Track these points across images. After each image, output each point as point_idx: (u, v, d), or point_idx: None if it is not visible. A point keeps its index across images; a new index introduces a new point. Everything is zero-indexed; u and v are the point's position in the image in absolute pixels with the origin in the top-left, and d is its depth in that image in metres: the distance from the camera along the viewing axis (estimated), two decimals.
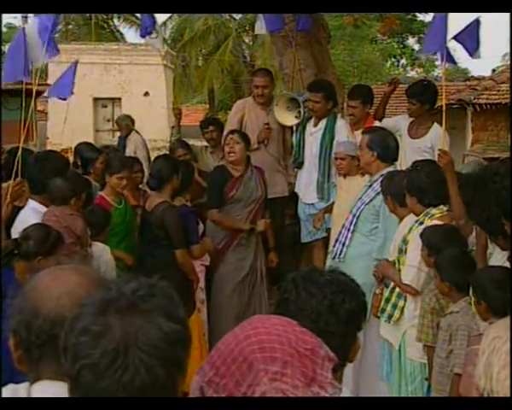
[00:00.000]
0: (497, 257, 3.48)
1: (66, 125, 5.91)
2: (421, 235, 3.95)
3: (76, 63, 5.80)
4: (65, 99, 5.64)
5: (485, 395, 1.33)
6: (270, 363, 1.54)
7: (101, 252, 4.67)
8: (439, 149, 4.63)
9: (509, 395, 1.28)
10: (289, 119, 6.59)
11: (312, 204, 6.24)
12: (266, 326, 1.61)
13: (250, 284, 5.90)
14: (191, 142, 7.47)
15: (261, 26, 7.05)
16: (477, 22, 5.22)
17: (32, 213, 4.38)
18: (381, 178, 4.75)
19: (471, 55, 5.29)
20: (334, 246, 5.06)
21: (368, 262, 4.72)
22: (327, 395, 1.58)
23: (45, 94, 5.84)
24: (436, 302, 3.84)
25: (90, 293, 1.58)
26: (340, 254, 4.97)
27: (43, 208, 4.46)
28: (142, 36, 6.99)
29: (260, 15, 7.01)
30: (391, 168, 4.87)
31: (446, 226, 3.99)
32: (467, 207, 3.54)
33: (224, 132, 6.69)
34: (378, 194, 4.76)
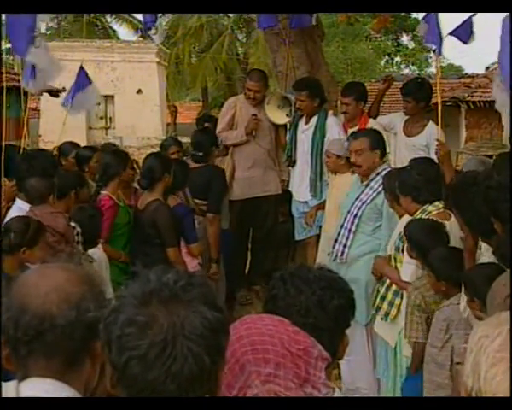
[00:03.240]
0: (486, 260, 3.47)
1: (58, 123, 5.87)
2: (405, 228, 3.95)
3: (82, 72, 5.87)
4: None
5: (474, 395, 1.33)
6: (262, 365, 1.54)
7: (94, 250, 4.64)
8: (437, 140, 4.61)
9: (497, 394, 1.28)
10: (280, 117, 6.59)
11: (306, 202, 6.23)
12: (258, 326, 1.60)
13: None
14: (185, 139, 7.44)
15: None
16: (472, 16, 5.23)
17: (17, 212, 4.37)
18: (377, 177, 4.74)
19: (465, 42, 5.30)
20: (333, 247, 5.01)
21: (372, 260, 4.65)
22: (320, 396, 1.57)
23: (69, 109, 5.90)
24: (421, 300, 3.84)
25: (81, 289, 1.57)
26: (341, 255, 4.92)
27: (29, 206, 4.44)
28: (145, 31, 7.06)
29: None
30: (385, 165, 4.89)
31: (429, 221, 3.99)
32: (458, 211, 3.55)
33: (218, 129, 6.67)
34: (379, 193, 4.74)
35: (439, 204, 4.16)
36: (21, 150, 4.97)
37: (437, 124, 5.83)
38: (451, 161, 4.33)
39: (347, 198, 5.06)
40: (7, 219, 4.37)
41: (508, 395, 1.27)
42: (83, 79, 5.86)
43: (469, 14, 5.21)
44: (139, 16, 20.55)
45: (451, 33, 5.13)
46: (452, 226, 3.95)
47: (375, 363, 4.85)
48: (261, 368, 1.53)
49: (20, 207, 4.45)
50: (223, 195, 5.96)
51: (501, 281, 2.55)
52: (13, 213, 4.43)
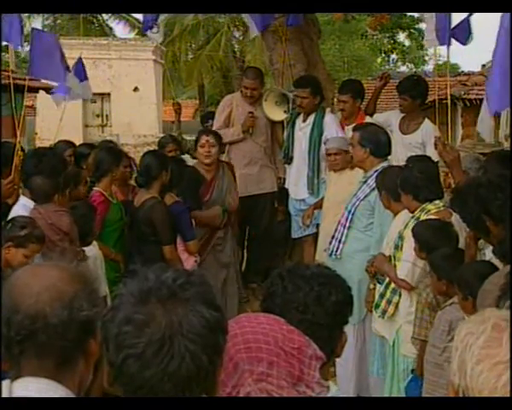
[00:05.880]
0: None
1: (54, 121, 5.89)
2: (413, 230, 3.95)
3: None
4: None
5: (460, 392, 1.35)
6: (255, 363, 1.54)
7: (89, 247, 4.64)
8: (447, 144, 4.60)
9: (483, 391, 1.30)
10: (278, 114, 6.59)
11: (303, 200, 6.24)
12: (253, 325, 1.60)
13: (233, 280, 5.99)
14: (185, 137, 7.42)
15: (253, 28, 7.03)
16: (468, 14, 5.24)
17: (21, 210, 4.37)
18: (375, 174, 4.73)
19: (464, 43, 5.30)
20: (330, 243, 5.02)
21: (365, 258, 4.69)
22: (313, 395, 1.57)
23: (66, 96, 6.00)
24: (433, 298, 3.83)
25: (73, 288, 1.56)
26: (336, 251, 4.93)
27: (33, 204, 4.43)
28: (144, 31, 6.97)
29: (249, 18, 6.97)
30: (384, 163, 4.85)
31: (437, 222, 3.98)
32: (457, 212, 3.57)
33: (214, 127, 6.67)
34: (373, 190, 4.73)
35: (440, 203, 4.16)
36: (16, 148, 4.97)
37: (434, 122, 5.84)
38: (461, 166, 4.32)
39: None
40: (11, 216, 4.38)
41: (494, 391, 1.28)
42: (80, 72, 5.92)
43: (466, 15, 5.22)
44: (137, 14, 20.53)
45: (452, 36, 5.13)
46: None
47: (364, 362, 4.88)
48: (254, 367, 1.54)
49: (24, 205, 4.45)
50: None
51: (492, 280, 2.55)
52: (17, 210, 4.43)
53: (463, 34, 5.26)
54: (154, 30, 6.78)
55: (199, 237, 5.63)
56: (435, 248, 3.81)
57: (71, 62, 6.11)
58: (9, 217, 4.36)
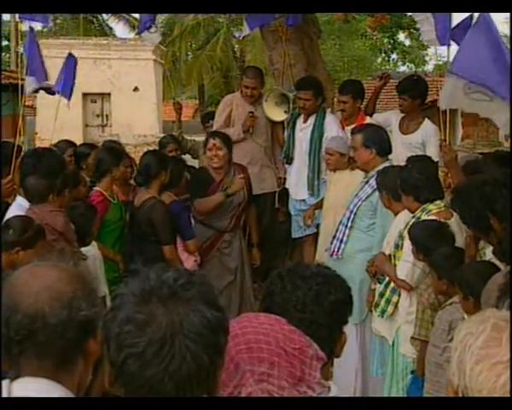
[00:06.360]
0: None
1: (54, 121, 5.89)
2: (409, 232, 3.95)
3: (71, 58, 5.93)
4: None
5: (460, 392, 1.35)
6: (256, 364, 1.54)
7: (89, 248, 4.64)
8: (444, 145, 4.59)
9: (483, 390, 1.30)
10: (278, 114, 6.58)
11: (303, 200, 6.24)
12: (254, 325, 1.60)
13: (237, 286, 5.89)
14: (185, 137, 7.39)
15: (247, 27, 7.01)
16: (470, 17, 5.22)
17: (17, 210, 4.36)
18: (376, 174, 4.74)
19: None
20: (331, 243, 5.01)
21: (366, 258, 4.67)
22: (314, 395, 1.57)
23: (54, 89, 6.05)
24: (434, 299, 3.83)
25: (72, 288, 1.56)
26: (337, 251, 4.92)
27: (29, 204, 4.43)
28: (141, 31, 6.88)
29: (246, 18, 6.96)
30: (386, 163, 4.84)
31: (433, 223, 3.98)
32: (457, 212, 3.57)
33: (214, 127, 6.67)
34: (375, 190, 4.72)
35: (440, 203, 4.15)
36: (15, 148, 4.97)
37: (436, 123, 5.83)
38: (459, 166, 4.32)
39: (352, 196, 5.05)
40: (7, 215, 4.38)
41: (493, 391, 1.29)
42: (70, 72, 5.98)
43: (467, 17, 5.20)
44: (137, 14, 20.51)
45: (451, 37, 5.11)
46: (453, 225, 3.95)
47: (365, 362, 4.87)
48: (255, 367, 1.53)
49: (20, 204, 4.44)
50: None
51: (496, 280, 2.55)
52: (13, 209, 4.42)
53: (464, 37, 5.24)
54: (152, 30, 6.74)
55: (204, 240, 5.63)
56: (432, 249, 3.80)
57: None
58: (6, 216, 4.37)
